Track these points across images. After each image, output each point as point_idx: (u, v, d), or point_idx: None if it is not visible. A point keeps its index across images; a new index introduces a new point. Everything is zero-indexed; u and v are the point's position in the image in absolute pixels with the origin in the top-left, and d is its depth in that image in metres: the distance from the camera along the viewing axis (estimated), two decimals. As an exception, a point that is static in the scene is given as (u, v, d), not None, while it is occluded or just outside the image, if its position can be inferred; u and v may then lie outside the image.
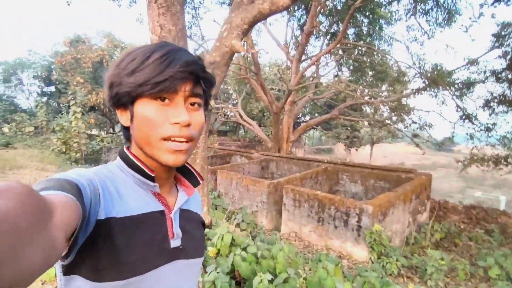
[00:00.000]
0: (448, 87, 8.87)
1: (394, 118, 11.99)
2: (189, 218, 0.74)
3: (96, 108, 18.29)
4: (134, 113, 0.61)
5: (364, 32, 12.85)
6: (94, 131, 21.46)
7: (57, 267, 0.59)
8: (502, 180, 21.52)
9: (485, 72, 10.05)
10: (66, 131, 12.93)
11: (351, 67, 14.14)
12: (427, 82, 9.18)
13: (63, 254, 0.53)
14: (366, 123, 20.92)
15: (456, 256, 5.94)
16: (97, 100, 15.87)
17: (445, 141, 11.89)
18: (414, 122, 10.63)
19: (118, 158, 0.68)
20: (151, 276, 0.60)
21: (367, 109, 18.02)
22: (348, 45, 11.08)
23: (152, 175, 0.64)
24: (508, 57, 8.74)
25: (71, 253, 0.54)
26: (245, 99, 18.59)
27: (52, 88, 23.25)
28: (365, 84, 13.24)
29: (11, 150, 13.09)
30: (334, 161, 8.94)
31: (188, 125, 0.61)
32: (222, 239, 2.60)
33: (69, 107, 14.26)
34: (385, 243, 4.93)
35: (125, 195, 0.62)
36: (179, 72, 0.58)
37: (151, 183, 0.65)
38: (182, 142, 0.61)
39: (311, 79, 13.47)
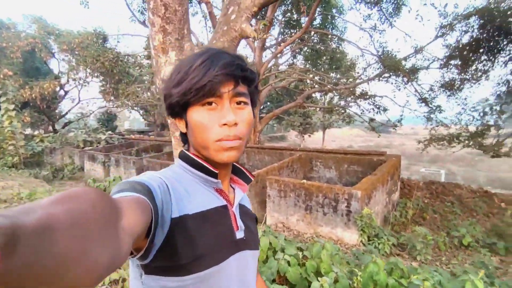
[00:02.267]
0: (404, 73, 9.50)
1: (353, 103, 12.57)
2: (246, 213, 0.79)
3: (31, 104, 16.05)
4: (188, 121, 0.67)
5: (318, 20, 13.17)
6: (28, 131, 18.87)
7: (134, 267, 0.62)
8: (435, 156, 24.24)
9: (429, 59, 11.05)
10: (-3, 133, 11.13)
11: (307, 55, 14.44)
12: (385, 69, 9.73)
13: (141, 254, 0.55)
14: (318, 109, 21.77)
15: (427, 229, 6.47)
16: (31, 94, 13.83)
17: (396, 124, 12.85)
18: (376, 107, 11.25)
19: (178, 160, 0.72)
20: (225, 266, 0.64)
21: (318, 96, 18.68)
22: (311, 33, 11.19)
23: (216, 171, 0.67)
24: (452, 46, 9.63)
25: (150, 252, 0.56)
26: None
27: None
28: (322, 71, 13.63)
29: None
30: (307, 148, 9.06)
31: (235, 124, 0.64)
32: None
33: (-3, 104, 12.22)
34: (375, 225, 5.13)
35: (192, 193, 0.65)
36: (217, 75, 0.60)
37: (215, 180, 0.68)
38: (233, 140, 0.64)
39: (272, 68, 13.42)
